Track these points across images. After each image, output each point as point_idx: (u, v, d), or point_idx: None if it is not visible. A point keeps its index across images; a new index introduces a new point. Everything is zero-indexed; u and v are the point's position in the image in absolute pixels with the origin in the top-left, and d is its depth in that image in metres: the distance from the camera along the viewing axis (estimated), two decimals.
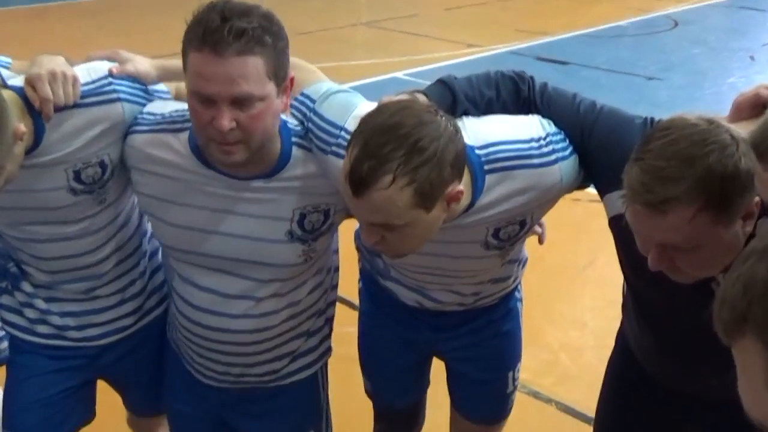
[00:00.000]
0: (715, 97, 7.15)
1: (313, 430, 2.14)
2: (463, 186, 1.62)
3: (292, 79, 1.71)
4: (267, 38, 1.60)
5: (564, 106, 1.79)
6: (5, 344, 2.23)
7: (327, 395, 2.16)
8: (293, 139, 1.79)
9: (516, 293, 2.20)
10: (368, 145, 1.51)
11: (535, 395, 3.36)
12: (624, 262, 1.79)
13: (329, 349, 2.11)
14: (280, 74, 1.65)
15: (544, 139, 1.74)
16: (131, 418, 2.42)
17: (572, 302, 4.07)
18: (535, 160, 1.73)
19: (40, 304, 2.02)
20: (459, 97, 1.75)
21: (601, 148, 1.72)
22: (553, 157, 1.73)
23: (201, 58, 1.60)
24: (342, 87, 1.85)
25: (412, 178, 1.51)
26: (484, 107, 1.77)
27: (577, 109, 1.77)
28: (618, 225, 1.69)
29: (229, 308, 1.88)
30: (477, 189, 1.70)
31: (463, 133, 1.63)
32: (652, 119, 1.71)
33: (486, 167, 1.70)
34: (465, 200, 1.68)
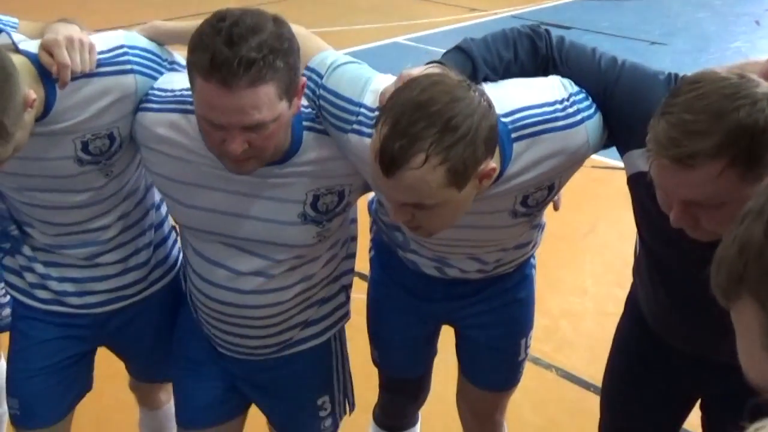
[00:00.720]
0: (720, 62, 7.08)
1: (327, 396, 2.13)
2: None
3: (303, 84, 1.66)
4: (278, 62, 1.53)
5: (584, 63, 1.75)
6: (8, 311, 2.24)
7: (344, 362, 2.15)
8: (304, 123, 1.75)
9: (531, 260, 2.17)
10: (399, 123, 1.46)
11: (535, 361, 3.36)
12: (641, 223, 1.77)
13: (346, 315, 2.10)
14: (292, 88, 1.60)
15: (567, 99, 1.70)
16: (133, 382, 2.42)
17: (573, 269, 4.07)
18: (561, 122, 1.69)
19: (39, 268, 2.02)
20: (478, 64, 1.70)
21: (623, 105, 1.69)
22: (578, 117, 1.70)
23: (209, 89, 1.53)
24: (345, 56, 1.80)
25: (445, 157, 1.46)
26: (503, 71, 1.74)
27: (598, 65, 1.74)
28: (637, 184, 1.68)
29: (241, 284, 1.88)
30: (505, 158, 1.66)
31: None
32: (676, 75, 1.68)
33: (513, 135, 1.66)
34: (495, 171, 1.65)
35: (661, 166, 1.40)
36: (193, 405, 2.12)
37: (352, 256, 2.05)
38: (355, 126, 1.70)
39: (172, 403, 2.39)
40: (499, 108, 1.61)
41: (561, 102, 1.70)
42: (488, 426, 2.37)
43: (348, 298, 2.09)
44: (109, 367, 2.32)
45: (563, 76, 1.75)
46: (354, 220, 2.01)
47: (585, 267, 4.10)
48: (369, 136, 1.63)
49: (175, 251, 2.15)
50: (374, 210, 2.11)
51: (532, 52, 1.76)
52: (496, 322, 2.15)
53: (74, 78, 1.70)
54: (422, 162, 1.45)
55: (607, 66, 1.73)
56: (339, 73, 1.74)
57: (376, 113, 1.61)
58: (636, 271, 1.95)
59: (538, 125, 1.68)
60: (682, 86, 1.41)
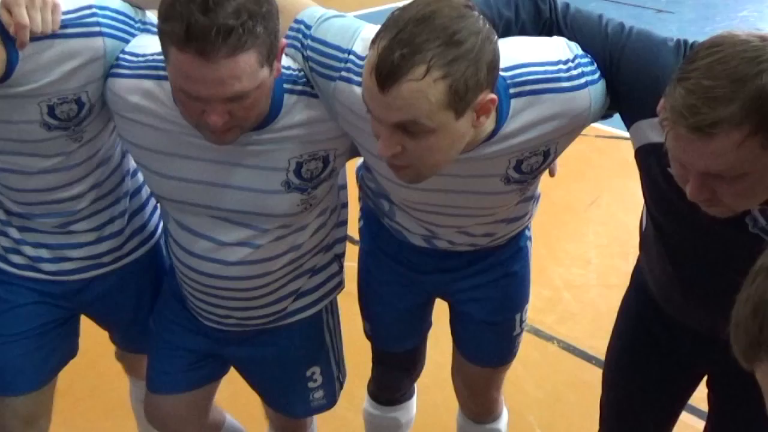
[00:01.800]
0: None
1: (317, 367, 2.09)
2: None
3: (283, 46, 1.59)
4: (258, 28, 1.46)
5: (590, 28, 1.68)
6: None
7: (338, 334, 2.11)
8: (285, 85, 1.68)
9: (526, 231, 2.11)
10: (401, 33, 1.38)
11: (537, 333, 3.33)
12: (649, 197, 1.70)
13: (339, 285, 2.05)
14: (273, 53, 1.53)
15: (573, 60, 1.63)
16: (119, 352, 2.38)
17: (576, 240, 4.03)
18: (564, 84, 1.62)
19: (14, 233, 1.96)
20: None
21: (630, 73, 1.62)
22: (582, 80, 1.63)
23: (185, 60, 1.46)
24: (336, 12, 1.73)
25: (447, 71, 1.39)
26: (502, 29, 1.66)
27: (605, 32, 1.67)
28: (646, 156, 1.61)
29: (226, 255, 1.82)
30: (502, 114, 1.59)
31: None
32: (686, 41, 1.61)
33: (511, 90, 1.59)
34: (489, 125, 1.58)
35: (679, 136, 1.34)
36: (162, 370, 2.08)
37: (343, 223, 1.99)
38: (344, 73, 1.62)
39: None
40: (501, 61, 1.53)
41: (565, 62, 1.62)
42: (484, 402, 2.33)
43: (341, 267, 2.04)
44: (103, 335, 2.29)
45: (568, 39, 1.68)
46: (344, 186, 1.94)
47: (588, 238, 4.05)
48: (358, 84, 1.56)
49: (154, 219, 2.09)
50: (361, 176, 2.05)
51: (534, 14, 1.70)
52: (489, 297, 2.09)
53: (36, 39, 1.63)
54: (423, 74, 1.38)
55: (614, 32, 1.66)
56: (328, 24, 1.67)
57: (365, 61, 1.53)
58: (642, 245, 1.89)
59: (540, 83, 1.61)
60: (700, 50, 1.34)
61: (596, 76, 1.65)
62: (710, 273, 1.65)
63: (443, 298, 2.20)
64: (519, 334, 2.19)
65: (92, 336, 2.24)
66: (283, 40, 1.59)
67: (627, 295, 2.01)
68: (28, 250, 1.97)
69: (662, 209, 1.68)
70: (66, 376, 2.15)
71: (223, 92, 1.50)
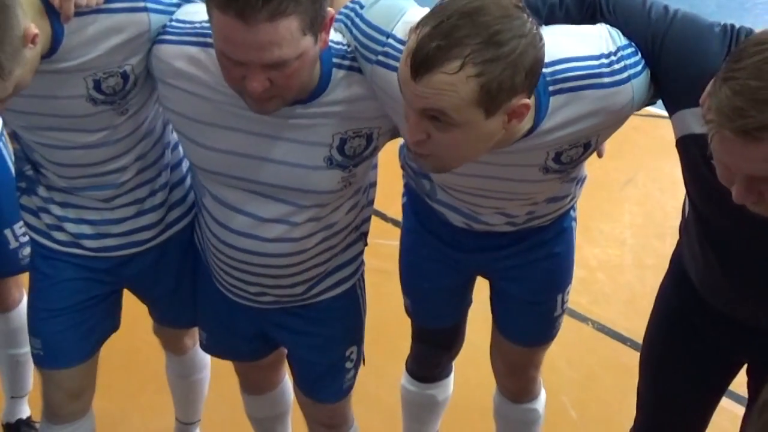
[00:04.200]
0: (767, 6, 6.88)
1: (355, 346, 2.09)
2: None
3: (332, 18, 1.57)
4: None
5: (633, 12, 1.63)
6: (28, 249, 2.22)
7: (365, 310, 2.11)
8: (334, 60, 1.66)
9: (571, 212, 2.08)
10: (442, 24, 1.37)
11: (571, 314, 3.29)
12: (692, 188, 1.67)
13: (363, 262, 2.05)
14: (317, 22, 1.51)
15: (615, 54, 1.58)
16: (157, 327, 2.40)
17: (611, 220, 3.99)
18: (606, 79, 1.58)
19: (56, 209, 1.98)
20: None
21: (674, 60, 1.57)
22: (625, 74, 1.58)
23: (227, 22, 1.45)
24: None
25: (481, 70, 1.37)
26: (546, 15, 1.63)
27: (648, 15, 1.62)
28: (688, 147, 1.57)
29: (264, 232, 1.81)
30: (540, 111, 1.56)
31: None
32: (732, 26, 1.56)
33: (551, 88, 1.56)
34: (527, 123, 1.55)
35: (724, 139, 1.29)
36: (222, 340, 2.14)
37: (371, 203, 1.98)
38: (381, 57, 1.61)
39: (197, 348, 2.39)
40: None
41: (608, 56, 1.58)
42: (522, 381, 2.32)
43: (366, 244, 2.03)
44: (140, 308, 2.30)
45: (610, 25, 1.64)
46: (375, 166, 1.93)
47: (623, 218, 4.01)
48: (395, 69, 1.54)
49: (193, 193, 2.08)
50: (403, 156, 2.04)
51: None
52: (531, 276, 2.08)
53: (81, 13, 1.63)
54: (457, 69, 1.37)
55: (658, 16, 1.61)
56: (380, 4, 1.65)
57: (404, 47, 1.51)
58: (683, 231, 1.85)
59: (581, 80, 1.57)
60: (747, 47, 1.29)
61: (639, 67, 1.60)
62: (754, 262, 1.62)
63: (485, 276, 2.18)
64: (560, 315, 2.17)
65: (128, 310, 2.26)
66: (331, 10, 1.57)
67: (665, 282, 1.99)
68: (71, 227, 1.98)
69: (705, 200, 1.65)
70: (103, 350, 2.16)
71: (263, 58, 1.48)
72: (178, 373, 2.53)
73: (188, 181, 2.06)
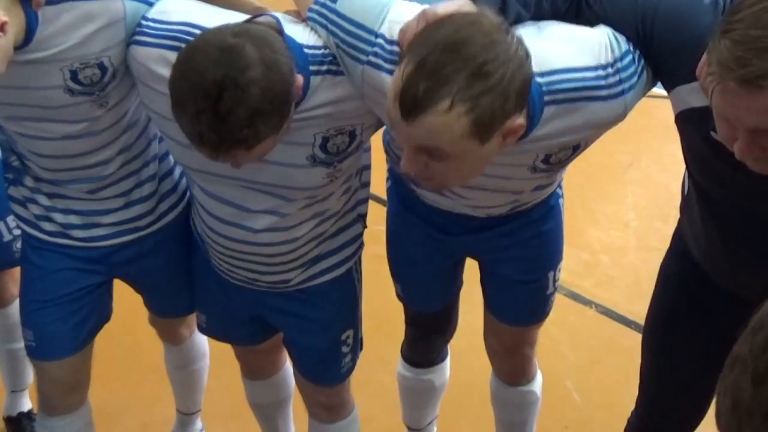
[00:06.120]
0: None
1: (351, 330, 2.08)
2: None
3: (300, 84, 1.55)
4: (272, 121, 1.46)
5: None
6: (20, 244, 2.21)
7: (361, 294, 2.10)
8: (311, 68, 1.63)
9: (558, 190, 2.06)
10: (426, 62, 1.34)
11: (575, 297, 3.30)
12: (691, 163, 1.65)
13: (362, 245, 2.03)
14: (289, 116, 1.52)
15: (612, 66, 1.56)
16: (153, 318, 2.38)
17: (615, 202, 3.97)
18: (602, 92, 1.56)
19: (43, 200, 1.97)
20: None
21: (666, 37, 1.54)
22: (620, 88, 1.57)
23: (201, 149, 1.49)
24: None
25: (472, 105, 1.35)
26: (534, 7, 1.60)
27: None
28: (686, 122, 1.55)
29: (252, 222, 1.81)
30: (533, 120, 1.53)
31: None
32: None
33: (546, 98, 1.53)
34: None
35: (726, 91, 1.26)
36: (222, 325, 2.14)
37: (366, 185, 1.96)
38: (372, 58, 1.58)
39: (194, 337, 2.38)
40: (536, 65, 1.47)
41: (605, 68, 1.56)
42: (518, 360, 2.30)
43: (365, 226, 2.02)
44: (138, 300, 2.29)
45: (596, 13, 1.61)
46: (368, 149, 1.90)
47: (627, 200, 3.99)
48: (387, 71, 1.53)
49: (184, 181, 2.07)
50: (387, 142, 2.00)
51: None
52: (520, 256, 2.06)
53: (54, 1, 1.61)
54: (447, 108, 1.34)
55: None
56: None
57: (394, 47, 1.51)
58: (684, 209, 1.83)
59: (576, 92, 1.55)
60: (744, 0, 1.27)
61: (635, 78, 1.58)
62: (756, 235, 1.60)
63: (473, 257, 2.17)
64: (552, 293, 2.15)
65: (128, 301, 2.25)
66: (299, 78, 1.54)
67: (667, 260, 1.97)
68: (59, 217, 1.98)
69: (704, 174, 1.63)
70: (102, 341, 2.16)
71: (242, 164, 1.54)
72: (176, 363, 2.52)
73: (177, 170, 2.05)
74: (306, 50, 1.61)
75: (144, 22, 1.70)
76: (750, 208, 1.57)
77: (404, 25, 1.50)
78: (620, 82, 1.57)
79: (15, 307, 2.45)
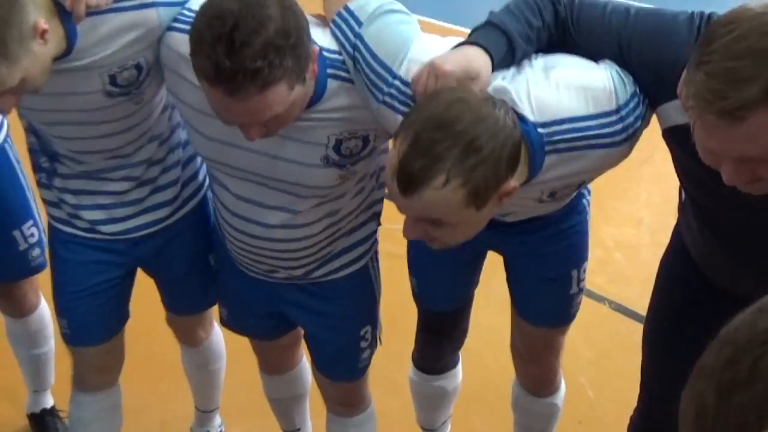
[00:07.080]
0: None
1: (369, 326, 2.11)
2: (521, 165, 1.52)
3: (316, 53, 1.59)
4: (287, 60, 1.48)
5: (594, 23, 1.61)
6: (37, 251, 2.28)
7: (379, 290, 2.12)
8: (329, 71, 1.68)
9: (583, 190, 2.07)
10: (420, 140, 1.43)
11: (588, 294, 3.27)
12: (681, 176, 1.67)
13: (376, 242, 2.07)
14: (305, 70, 1.54)
15: (617, 113, 1.57)
16: (170, 318, 2.42)
17: (628, 199, 3.98)
18: (605, 139, 1.58)
19: (71, 199, 2.04)
20: (515, 40, 1.59)
21: (645, 57, 1.55)
22: (623, 135, 1.59)
23: (217, 94, 1.51)
24: (391, 3, 1.69)
25: (466, 178, 1.43)
26: (536, 41, 1.63)
27: (609, 23, 1.59)
28: (672, 138, 1.57)
29: (266, 218, 1.85)
30: (534, 168, 1.57)
31: (527, 105, 1.53)
32: (701, 13, 1.53)
33: (547, 147, 1.57)
34: (520, 180, 1.57)
35: (707, 124, 1.27)
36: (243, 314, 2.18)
37: (382, 186, 1.99)
38: (387, 99, 1.63)
39: (211, 339, 2.42)
40: (540, 114, 1.53)
41: (608, 115, 1.58)
42: (544, 368, 2.31)
43: (379, 224, 2.05)
44: (158, 302, 2.33)
45: (577, 44, 1.63)
46: (384, 151, 1.93)
47: (640, 197, 4.00)
48: (401, 113, 1.59)
49: (204, 169, 2.13)
50: None
51: (553, 14, 1.65)
52: (544, 252, 2.07)
53: (91, 14, 1.66)
54: (442, 184, 1.42)
55: (619, 21, 1.59)
56: (380, 28, 1.65)
57: (409, 89, 1.58)
58: (681, 210, 1.86)
59: (579, 141, 1.58)
60: (716, 29, 1.27)
61: (639, 123, 1.60)
62: (749, 239, 1.62)
63: (498, 251, 2.17)
64: (577, 294, 2.15)
65: (150, 301, 2.29)
66: (315, 48, 1.58)
67: (666, 258, 1.98)
68: (86, 214, 2.05)
69: (695, 187, 1.65)
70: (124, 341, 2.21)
71: (257, 119, 1.55)
72: (193, 364, 2.55)
73: (199, 158, 2.10)
74: (326, 53, 1.66)
75: (182, 11, 1.75)
76: (744, 217, 1.58)
77: (415, 75, 1.57)
78: (624, 129, 1.59)
79: (36, 316, 2.53)
